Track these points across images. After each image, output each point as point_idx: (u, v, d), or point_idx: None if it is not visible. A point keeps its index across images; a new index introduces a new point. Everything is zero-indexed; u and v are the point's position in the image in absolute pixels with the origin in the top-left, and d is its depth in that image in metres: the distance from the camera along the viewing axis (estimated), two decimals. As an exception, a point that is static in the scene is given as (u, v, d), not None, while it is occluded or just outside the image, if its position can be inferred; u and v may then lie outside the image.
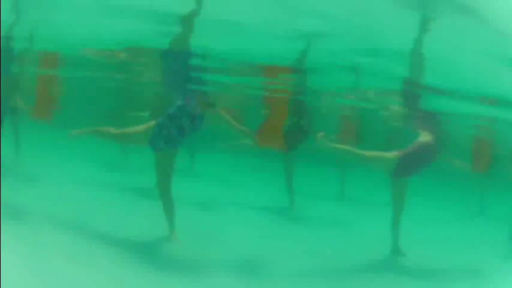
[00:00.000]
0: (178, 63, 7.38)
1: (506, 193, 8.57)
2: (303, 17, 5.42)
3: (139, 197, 7.64)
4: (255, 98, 7.11)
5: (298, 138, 6.89)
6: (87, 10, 5.84)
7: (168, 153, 6.64)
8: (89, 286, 5.64)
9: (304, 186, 6.78)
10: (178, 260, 6.19)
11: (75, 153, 8.29)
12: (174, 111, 6.48)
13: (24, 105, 9.50)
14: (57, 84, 9.72)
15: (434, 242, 7.96)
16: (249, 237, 6.61)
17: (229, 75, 7.12)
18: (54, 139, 8.63)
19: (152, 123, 6.55)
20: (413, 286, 6.51)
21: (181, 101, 6.58)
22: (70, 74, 9.15)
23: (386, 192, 7.09)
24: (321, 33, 5.79)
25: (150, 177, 6.77)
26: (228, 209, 6.83)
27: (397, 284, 6.46)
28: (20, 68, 9.64)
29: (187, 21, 5.91)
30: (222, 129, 6.52)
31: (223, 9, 5.46)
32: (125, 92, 9.14)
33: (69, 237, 6.55)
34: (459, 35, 5.57)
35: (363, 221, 7.45)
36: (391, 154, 7.05)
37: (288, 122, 6.96)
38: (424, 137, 7.42)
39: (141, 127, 6.69)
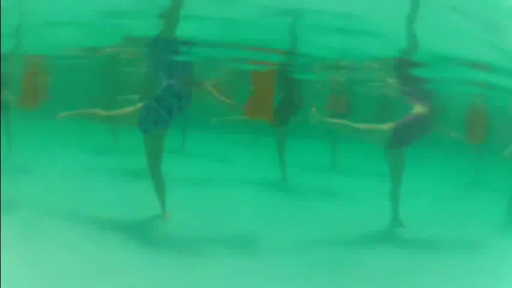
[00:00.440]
0: (163, 44, 7.29)
1: (502, 164, 8.54)
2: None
3: (132, 178, 7.60)
4: (241, 73, 7.02)
5: (290, 111, 6.81)
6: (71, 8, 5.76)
7: (157, 134, 6.60)
8: (86, 271, 5.60)
9: (296, 159, 6.72)
10: (172, 239, 6.17)
11: (65, 140, 8.22)
12: (160, 93, 6.43)
13: (11, 95, 9.39)
14: (44, 72, 9.61)
15: (429, 214, 7.94)
16: (243, 212, 6.57)
17: (214, 49, 7.04)
18: (42, 127, 8.54)
19: (140, 104, 6.50)
20: (407, 258, 6.50)
21: (166, 81, 6.51)
22: (57, 63, 9.05)
23: (380, 163, 7.03)
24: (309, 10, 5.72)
25: (141, 159, 6.72)
26: (221, 184, 6.77)
27: (394, 256, 6.45)
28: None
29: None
30: (211, 106, 6.45)
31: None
32: (112, 77, 9.04)
33: (64, 224, 6.52)
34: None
35: (357, 192, 7.41)
36: (387, 126, 6.98)
37: (278, 96, 6.88)
38: (418, 109, 7.35)
39: (130, 108, 6.65)
